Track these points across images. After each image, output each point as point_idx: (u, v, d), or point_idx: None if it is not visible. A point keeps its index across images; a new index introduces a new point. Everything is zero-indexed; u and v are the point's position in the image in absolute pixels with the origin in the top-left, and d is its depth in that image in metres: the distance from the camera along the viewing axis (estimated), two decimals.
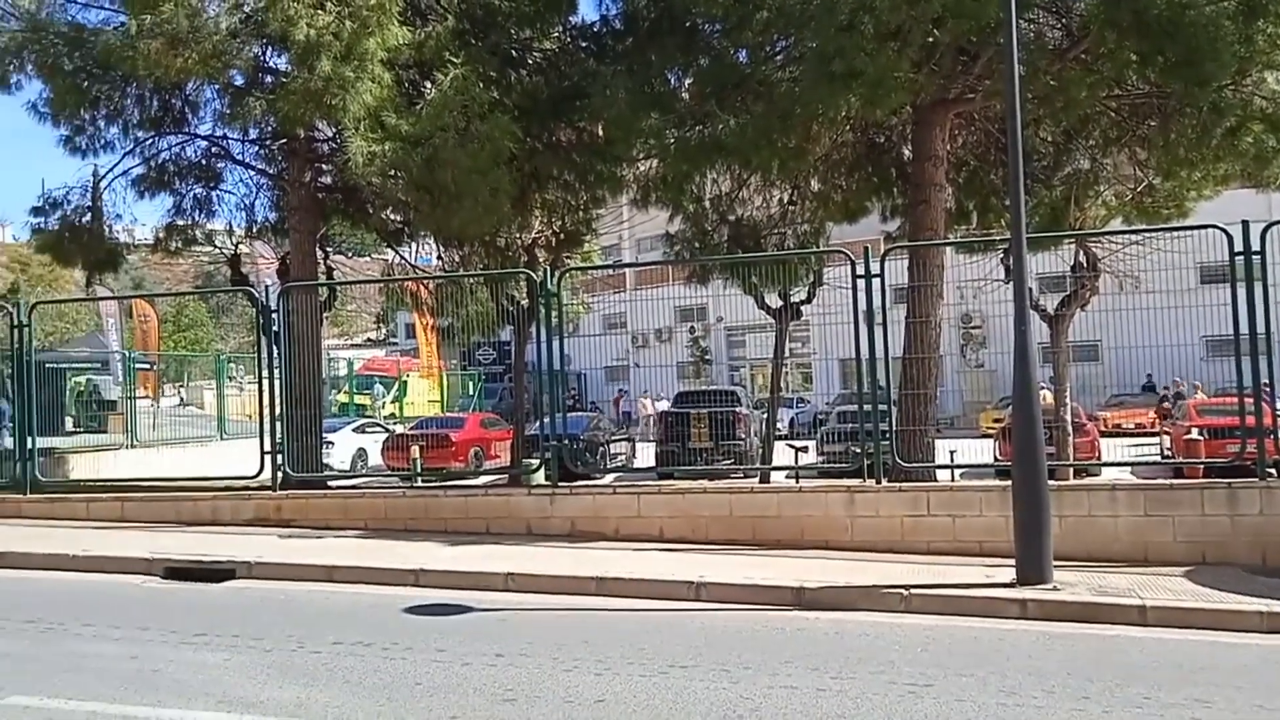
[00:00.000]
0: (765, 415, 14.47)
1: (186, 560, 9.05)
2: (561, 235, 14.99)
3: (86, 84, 12.57)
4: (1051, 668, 5.81)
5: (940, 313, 11.91)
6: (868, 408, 9.90)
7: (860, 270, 9.96)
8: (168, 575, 8.86)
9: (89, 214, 13.77)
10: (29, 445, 12.17)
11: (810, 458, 13.94)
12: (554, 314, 10.93)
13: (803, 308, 14.05)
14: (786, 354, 15.25)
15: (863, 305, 9.93)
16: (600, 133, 13.37)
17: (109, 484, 13.31)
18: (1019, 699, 5.17)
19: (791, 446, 13.22)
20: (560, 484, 10.65)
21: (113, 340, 26.66)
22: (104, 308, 29.13)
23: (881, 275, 10.00)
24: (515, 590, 8.12)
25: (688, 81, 12.91)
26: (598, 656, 6.03)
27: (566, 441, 11.39)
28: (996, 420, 19.18)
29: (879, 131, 14.01)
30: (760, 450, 14.32)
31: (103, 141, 13.59)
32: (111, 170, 13.92)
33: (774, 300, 13.95)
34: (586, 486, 11.11)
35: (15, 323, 12.28)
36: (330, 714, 4.98)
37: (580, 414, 18.78)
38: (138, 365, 23.86)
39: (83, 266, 15.06)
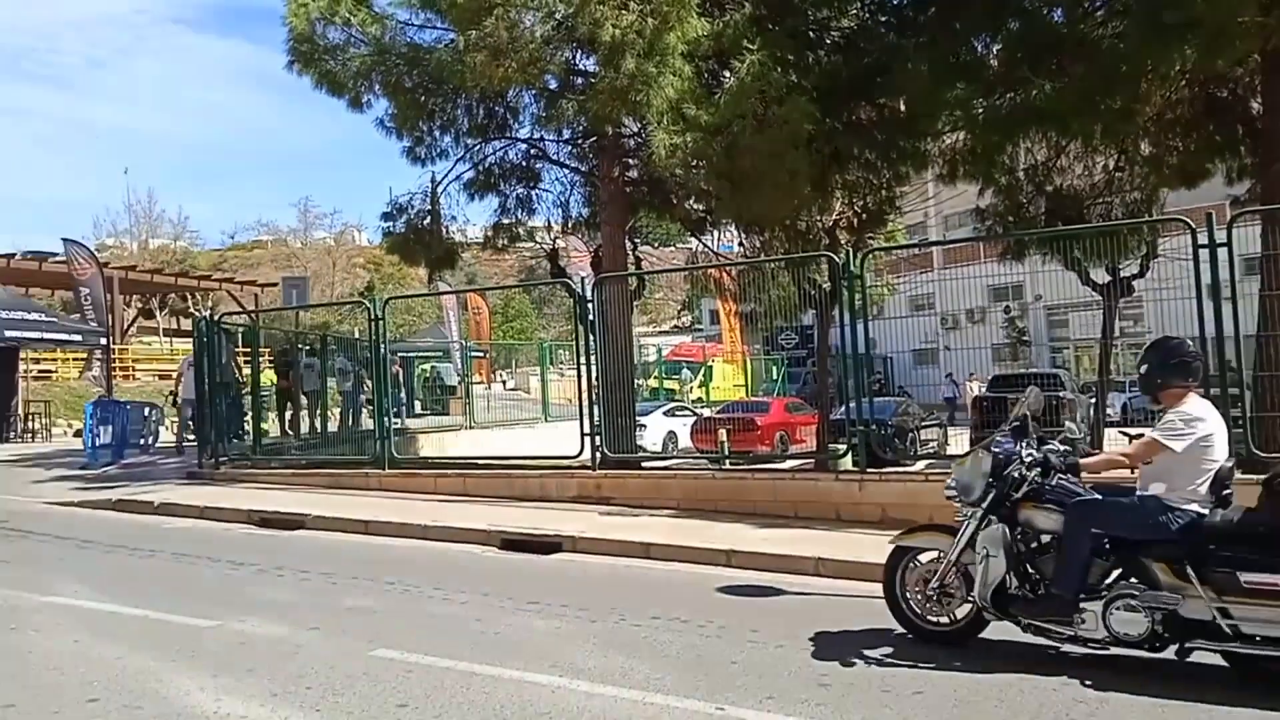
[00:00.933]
0: (1093, 400, 13.40)
1: (519, 533, 9.82)
2: (863, 215, 14.68)
3: (424, 99, 13.90)
4: None
5: None
6: (1214, 392, 8.91)
7: (1203, 240, 8.99)
8: (503, 546, 9.66)
9: (429, 217, 15.23)
10: (386, 426, 13.71)
11: None
12: (857, 296, 10.73)
13: (1134, 283, 12.85)
14: (1116, 333, 14.04)
15: (1206, 278, 8.95)
16: (902, 108, 12.95)
17: (452, 461, 14.69)
18: None
19: (1125, 434, 12.15)
20: (869, 470, 10.47)
21: (452, 331, 29.40)
22: (444, 301, 32.16)
23: (1229, 244, 8.98)
24: (825, 575, 8.09)
25: (996, 48, 12.19)
26: (918, 646, 5.88)
27: (874, 426, 11.17)
28: None
29: (1220, 85, 12.49)
30: (1088, 437, 13.29)
31: (438, 150, 14.99)
32: (446, 176, 15.32)
33: (1100, 276, 12.88)
34: (897, 473, 10.84)
35: (372, 317, 13.85)
36: (652, 684, 5.22)
37: (888, 399, 18.33)
38: (473, 353, 26.19)
39: (425, 264, 16.73)
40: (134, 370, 32.07)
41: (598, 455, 12.08)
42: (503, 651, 5.90)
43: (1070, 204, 13.25)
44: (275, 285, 39.19)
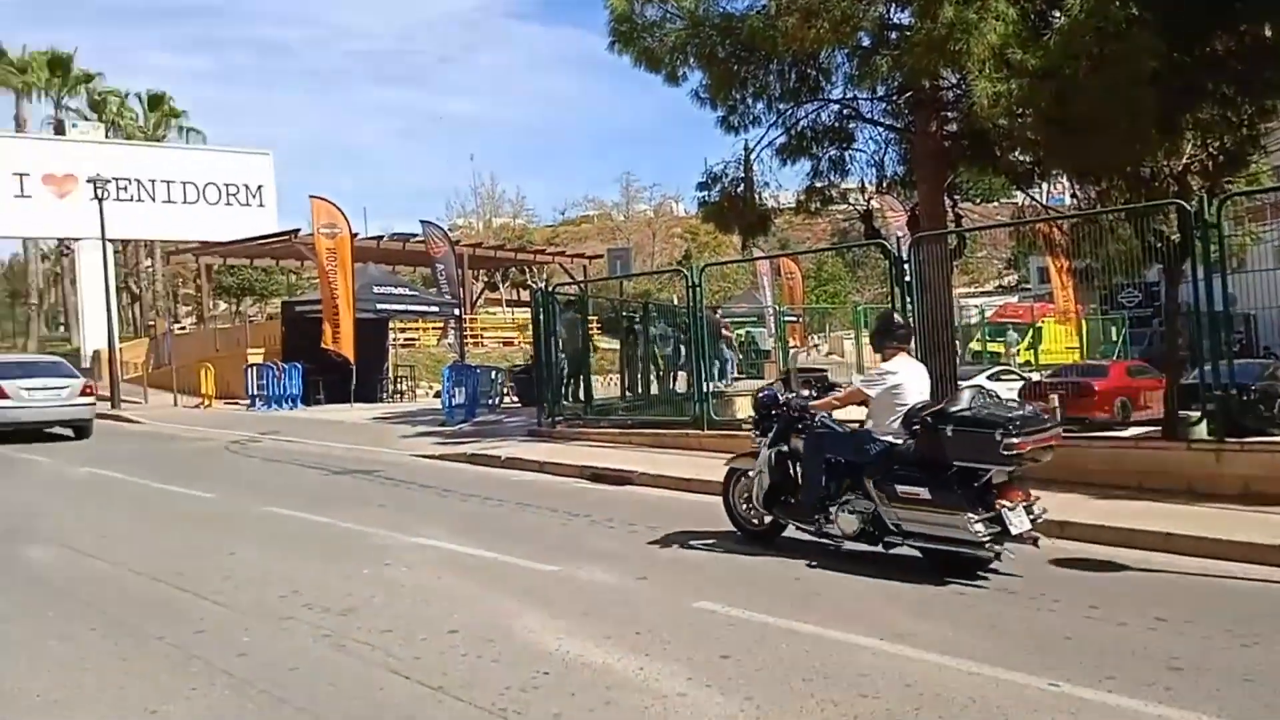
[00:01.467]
0: None
1: None
2: (1219, 158, 13.02)
3: (736, 67, 14.04)
4: None
5: None
6: None
7: None
8: None
9: (742, 184, 15.40)
10: (704, 389, 14.16)
11: None
12: (1213, 248, 9.63)
13: None
14: None
15: None
16: (1268, 33, 11.35)
17: None
18: None
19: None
20: (1228, 439, 9.41)
21: (766, 296, 29.67)
22: (758, 267, 32.53)
23: None
24: (1175, 552, 7.40)
25: None
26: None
27: (1234, 391, 10.01)
28: None
29: None
30: None
31: (751, 117, 15.06)
32: (758, 142, 15.40)
33: None
34: (1264, 442, 9.66)
35: (690, 284, 14.31)
36: (980, 655, 5.07)
37: (1251, 361, 16.31)
38: (786, 318, 26.31)
39: (739, 231, 16.96)
40: (482, 337, 35.29)
41: None
42: (824, 611, 5.96)
43: None
44: (601, 256, 41.51)
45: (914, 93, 13.43)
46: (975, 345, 29.85)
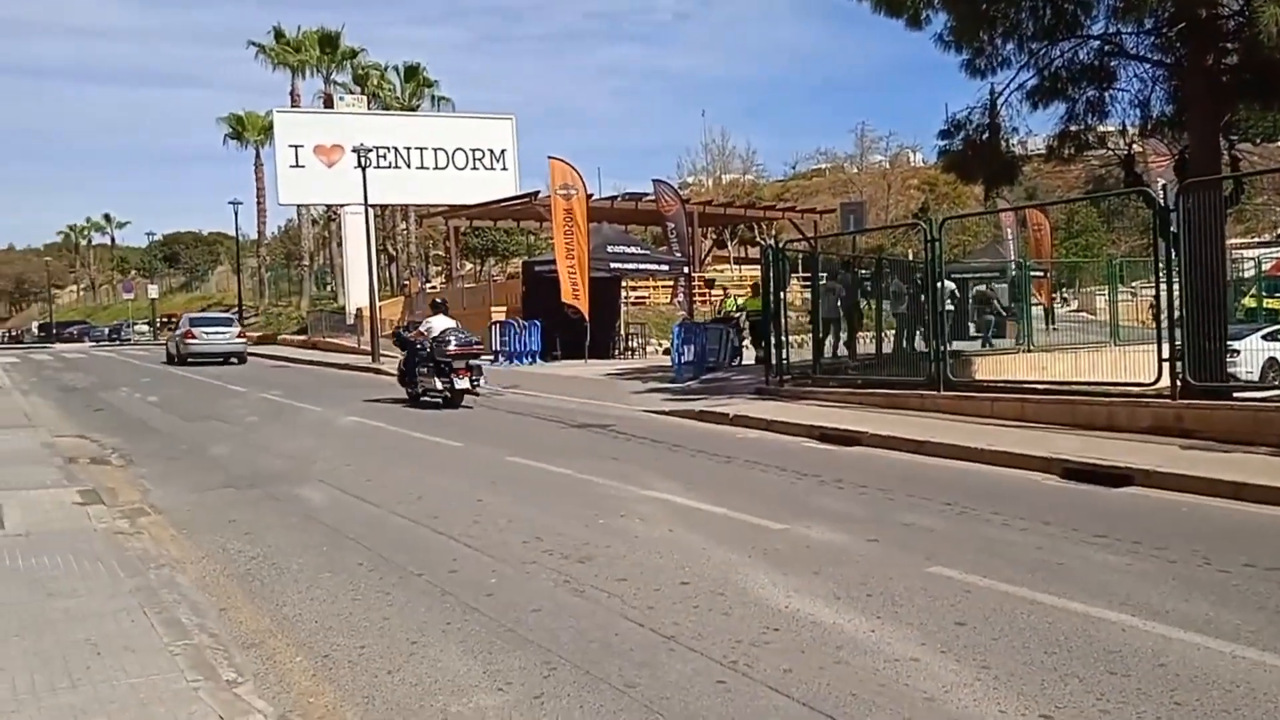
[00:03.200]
0: None
1: (1084, 462, 9.24)
2: None
3: (984, 6, 13.26)
4: None
5: None
6: None
7: None
8: (1065, 475, 9.16)
9: (987, 130, 14.59)
10: (941, 348, 13.65)
11: None
12: None
13: None
14: None
15: None
16: None
17: (1010, 385, 14.19)
18: None
19: None
20: None
21: (1010, 249, 28.10)
22: (1002, 219, 30.86)
23: None
24: None
25: None
26: None
27: None
28: None
29: None
30: None
31: (999, 59, 14.20)
32: (1006, 86, 14.50)
33: None
34: None
35: (928, 238, 13.77)
36: (1244, 637, 4.67)
37: None
38: (1032, 273, 24.81)
39: (982, 181, 16.13)
40: (710, 296, 35.55)
41: (1178, 383, 10.85)
42: (1066, 582, 5.67)
43: None
44: (833, 211, 40.65)
45: (1187, 23, 12.23)
46: (1249, 301, 26.99)
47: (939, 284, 14.01)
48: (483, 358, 18.11)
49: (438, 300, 18.10)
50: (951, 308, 17.95)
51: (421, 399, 16.46)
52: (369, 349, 28.75)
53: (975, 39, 13.78)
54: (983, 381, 15.43)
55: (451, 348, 15.96)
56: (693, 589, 5.74)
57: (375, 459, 11.35)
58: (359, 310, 35.93)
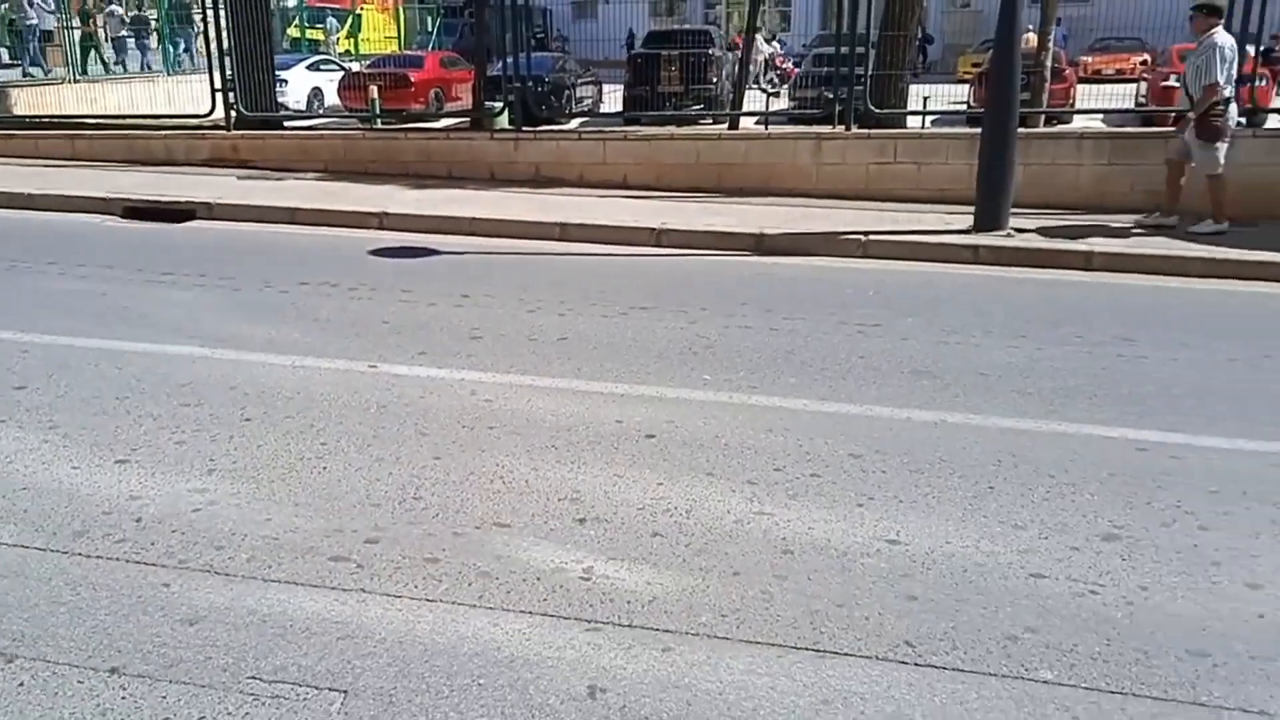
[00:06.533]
0: (739, 57, 13.90)
1: (145, 200, 8.96)
2: None
3: None
4: (995, 310, 6.08)
5: None
6: (844, 50, 9.54)
7: None
8: (126, 214, 8.80)
9: None
10: None
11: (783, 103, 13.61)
12: None
13: None
14: None
15: None
16: None
17: (57, 120, 12.80)
18: (959, 337, 5.44)
19: (763, 91, 12.87)
20: (524, 129, 10.40)
21: None
22: None
23: None
24: (479, 234, 8.18)
25: None
26: (560, 298, 6.19)
27: (530, 84, 10.97)
28: (975, 65, 18.67)
29: None
30: (731, 95, 13.92)
31: None
32: None
33: None
34: (551, 131, 10.88)
35: None
36: (300, 349, 5.15)
37: (545, 54, 17.95)
38: None
39: None
40: None
41: (232, 114, 11.03)
42: (134, 325, 5.53)
43: None
44: None
45: None
46: (294, 31, 28.36)
47: None
48: None
49: None
50: None
51: None
52: None
53: None
54: (24, 118, 13.66)
55: None
56: None
57: None
58: None
